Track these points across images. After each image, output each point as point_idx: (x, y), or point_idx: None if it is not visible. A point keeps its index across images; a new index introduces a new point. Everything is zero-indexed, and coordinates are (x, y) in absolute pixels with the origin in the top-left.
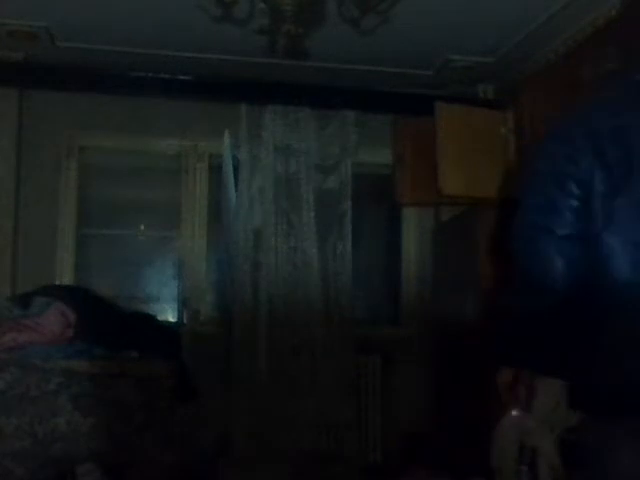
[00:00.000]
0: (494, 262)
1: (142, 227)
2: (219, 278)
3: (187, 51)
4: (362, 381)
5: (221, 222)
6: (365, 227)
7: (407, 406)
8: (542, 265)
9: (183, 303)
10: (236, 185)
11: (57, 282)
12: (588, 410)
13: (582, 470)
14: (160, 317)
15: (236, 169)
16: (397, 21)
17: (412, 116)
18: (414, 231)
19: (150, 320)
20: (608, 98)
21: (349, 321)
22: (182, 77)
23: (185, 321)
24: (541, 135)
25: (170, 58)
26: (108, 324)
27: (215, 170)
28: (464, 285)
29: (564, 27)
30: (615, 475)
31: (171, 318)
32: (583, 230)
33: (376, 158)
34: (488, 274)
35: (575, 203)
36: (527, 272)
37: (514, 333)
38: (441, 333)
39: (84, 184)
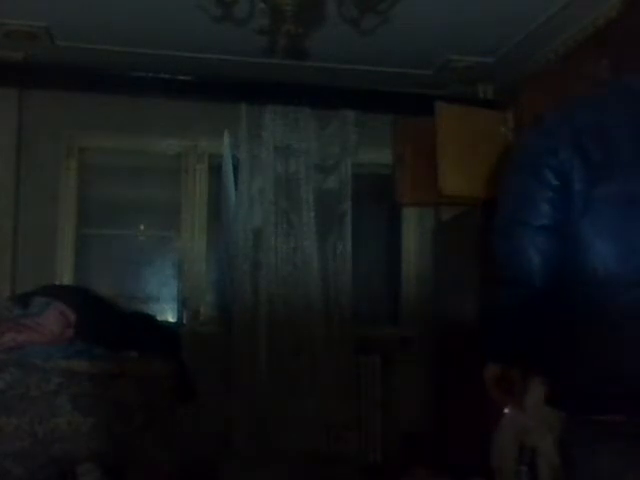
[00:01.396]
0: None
1: (142, 227)
2: (219, 278)
3: (187, 51)
4: (362, 381)
5: (221, 222)
6: (365, 227)
7: (407, 406)
8: (518, 258)
9: (183, 303)
10: (236, 185)
11: (57, 282)
12: (564, 408)
13: (568, 469)
14: (160, 317)
15: (236, 169)
16: (397, 21)
17: (412, 116)
18: (414, 231)
19: (150, 320)
20: (593, 97)
21: (349, 321)
22: (182, 77)
23: (185, 321)
24: None
25: (170, 58)
26: (108, 324)
27: (215, 170)
28: (464, 285)
29: (564, 27)
30: (593, 475)
31: (171, 318)
32: (560, 222)
33: (376, 158)
34: (488, 274)
35: (552, 194)
36: (503, 265)
37: (495, 328)
38: (441, 333)
39: (84, 184)
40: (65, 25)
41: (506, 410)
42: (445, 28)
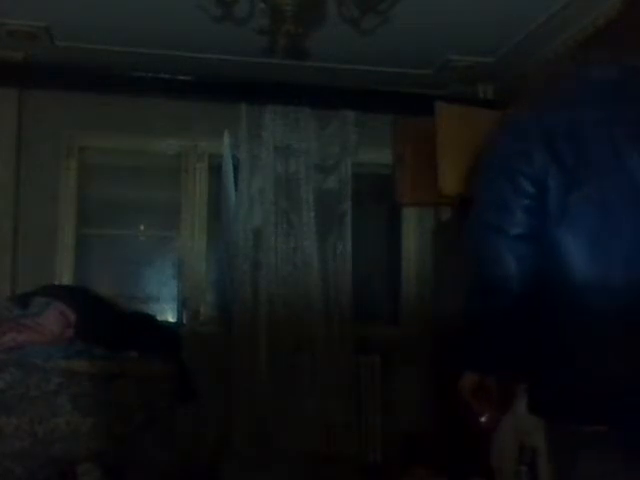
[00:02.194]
0: None
1: (142, 227)
2: (219, 278)
3: (187, 51)
4: (362, 381)
5: (221, 222)
6: (365, 227)
7: (407, 406)
8: (493, 264)
9: (183, 303)
10: (236, 185)
11: (57, 282)
12: (543, 414)
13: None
14: (160, 317)
15: (236, 169)
16: (397, 21)
17: (412, 116)
18: (414, 231)
19: (150, 320)
20: (561, 92)
21: (349, 321)
22: (182, 77)
23: (185, 321)
24: None
25: (170, 58)
26: (108, 324)
27: (215, 170)
28: (464, 285)
29: (564, 27)
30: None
31: (171, 318)
32: (536, 228)
33: (376, 158)
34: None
35: (528, 202)
36: (479, 272)
37: (472, 336)
38: (441, 333)
39: (84, 184)
40: (65, 25)
41: (483, 419)
42: (445, 28)
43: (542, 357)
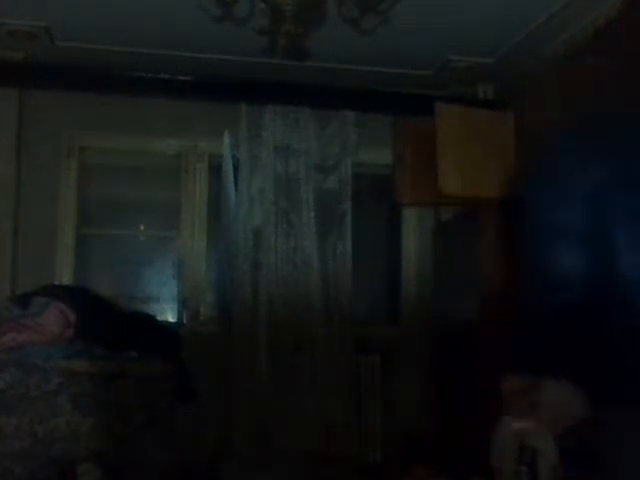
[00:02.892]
0: (494, 262)
1: (142, 227)
2: (219, 278)
3: (187, 51)
4: (362, 381)
5: (221, 222)
6: (365, 227)
7: (407, 406)
8: (557, 264)
9: (183, 303)
10: (236, 185)
11: (57, 282)
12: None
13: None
14: (160, 317)
15: (236, 169)
16: (397, 21)
17: (412, 116)
18: (414, 231)
19: (150, 320)
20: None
21: (349, 321)
22: (182, 77)
23: (185, 321)
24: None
25: (170, 58)
26: (108, 324)
27: (215, 170)
28: (464, 285)
29: (564, 27)
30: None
31: (171, 318)
32: (600, 228)
33: (376, 158)
34: (488, 274)
35: (591, 202)
36: (542, 271)
37: (531, 335)
38: (441, 333)
39: (84, 184)
40: (65, 25)
41: (514, 420)
42: (445, 28)
43: (604, 357)
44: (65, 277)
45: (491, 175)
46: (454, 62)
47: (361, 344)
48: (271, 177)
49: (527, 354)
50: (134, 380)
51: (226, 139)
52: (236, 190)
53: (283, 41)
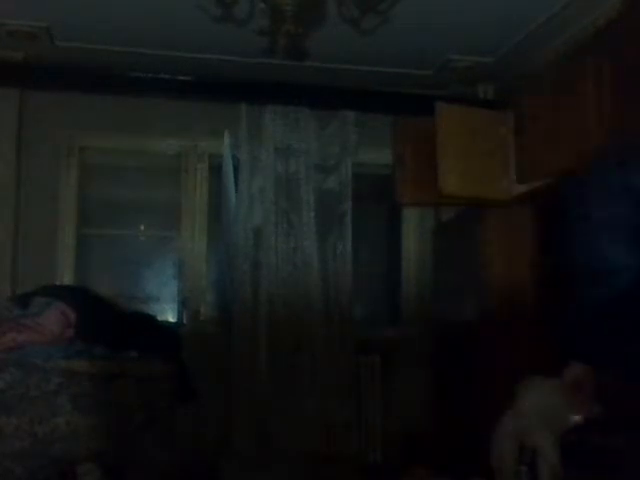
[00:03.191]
0: (494, 262)
1: (142, 227)
2: (219, 278)
3: (187, 51)
4: (362, 381)
5: (221, 222)
6: (365, 227)
7: (407, 406)
8: (602, 255)
9: (183, 303)
10: (236, 185)
11: (57, 282)
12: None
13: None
14: (160, 317)
15: (236, 169)
16: (397, 21)
17: (412, 116)
18: (414, 231)
19: (150, 320)
20: None
21: (349, 321)
22: (182, 77)
23: (185, 321)
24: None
25: (170, 58)
26: (108, 324)
27: (215, 170)
28: (464, 285)
29: (564, 27)
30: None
31: (171, 318)
32: None
33: (376, 158)
34: (488, 274)
35: (634, 194)
36: (586, 262)
37: (578, 324)
38: (441, 333)
39: (84, 184)
40: (65, 25)
41: (577, 418)
42: (445, 28)
43: None
44: (65, 277)
45: (491, 175)
46: (454, 62)
47: (361, 344)
48: (271, 177)
49: (578, 344)
50: (134, 380)
51: (226, 139)
52: (236, 190)
53: (283, 41)
